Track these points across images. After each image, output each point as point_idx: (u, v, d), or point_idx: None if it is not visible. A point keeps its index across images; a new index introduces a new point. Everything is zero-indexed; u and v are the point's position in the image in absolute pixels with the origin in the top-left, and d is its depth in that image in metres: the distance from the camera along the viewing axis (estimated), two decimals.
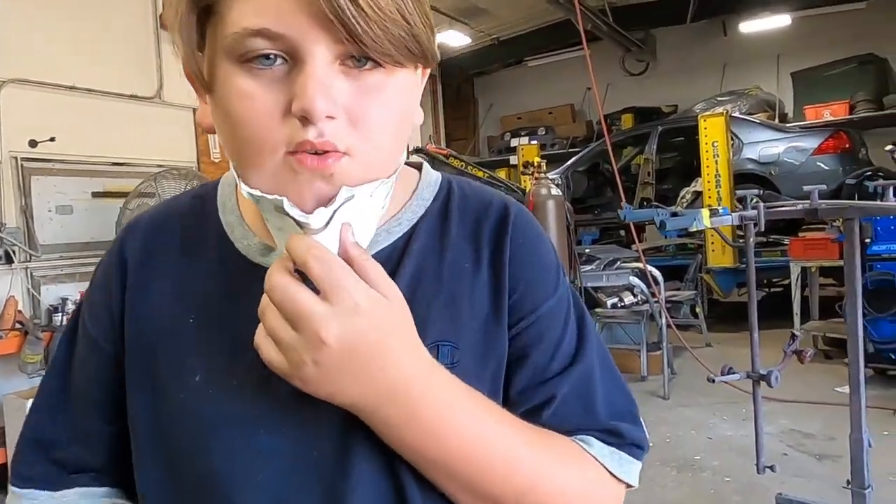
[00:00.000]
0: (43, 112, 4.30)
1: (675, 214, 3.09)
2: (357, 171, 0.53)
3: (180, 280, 0.65)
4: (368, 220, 0.57)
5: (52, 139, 4.29)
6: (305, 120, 0.51)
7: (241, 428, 0.59)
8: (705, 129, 6.58)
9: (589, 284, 4.88)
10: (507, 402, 0.63)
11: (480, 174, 4.45)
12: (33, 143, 4.27)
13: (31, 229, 4.23)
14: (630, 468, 0.65)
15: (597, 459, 0.62)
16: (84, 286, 4.25)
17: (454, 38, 9.70)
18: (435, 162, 4.65)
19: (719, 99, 8.53)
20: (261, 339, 0.53)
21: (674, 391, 4.78)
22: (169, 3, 0.57)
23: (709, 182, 6.57)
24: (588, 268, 5.07)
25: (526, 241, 0.67)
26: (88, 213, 4.44)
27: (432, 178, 0.71)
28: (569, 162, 8.48)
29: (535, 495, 0.58)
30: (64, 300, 4.09)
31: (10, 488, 0.68)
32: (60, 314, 4.04)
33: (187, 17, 0.55)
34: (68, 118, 4.43)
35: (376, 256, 0.58)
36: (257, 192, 0.53)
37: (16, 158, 4.20)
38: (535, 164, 4.19)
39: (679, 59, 9.86)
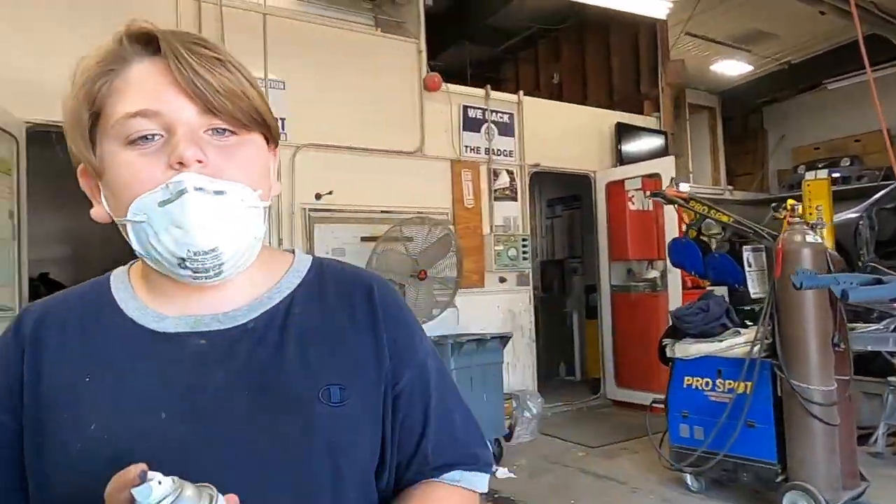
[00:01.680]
0: (325, 170, 5.12)
1: (878, 281, 2.40)
2: None
3: (75, 349, 0.73)
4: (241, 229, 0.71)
5: (330, 192, 5.08)
6: (181, 166, 0.65)
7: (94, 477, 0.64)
8: None
9: (871, 348, 4.06)
10: (402, 446, 0.80)
11: (725, 218, 4.04)
12: (318, 196, 5.11)
13: None
14: (484, 481, 0.86)
15: (465, 488, 0.83)
16: None
17: (732, 68, 9.00)
18: (676, 204, 4.37)
19: None
20: None
21: None
22: (69, 111, 0.72)
23: None
24: (872, 327, 4.22)
25: (390, 307, 0.82)
26: (357, 254, 5.10)
27: (304, 258, 0.85)
28: (874, 197, 7.16)
29: None
30: None
31: None
32: None
33: (85, 119, 0.70)
34: (345, 174, 5.20)
35: (258, 319, 0.75)
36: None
37: (304, 209, 5.06)
38: (789, 207, 3.67)
39: None
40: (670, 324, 4.29)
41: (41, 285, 7.07)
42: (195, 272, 0.69)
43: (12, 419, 0.71)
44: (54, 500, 0.68)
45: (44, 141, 5.01)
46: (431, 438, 0.80)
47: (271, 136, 0.76)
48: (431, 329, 5.00)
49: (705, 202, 4.22)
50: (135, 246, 0.69)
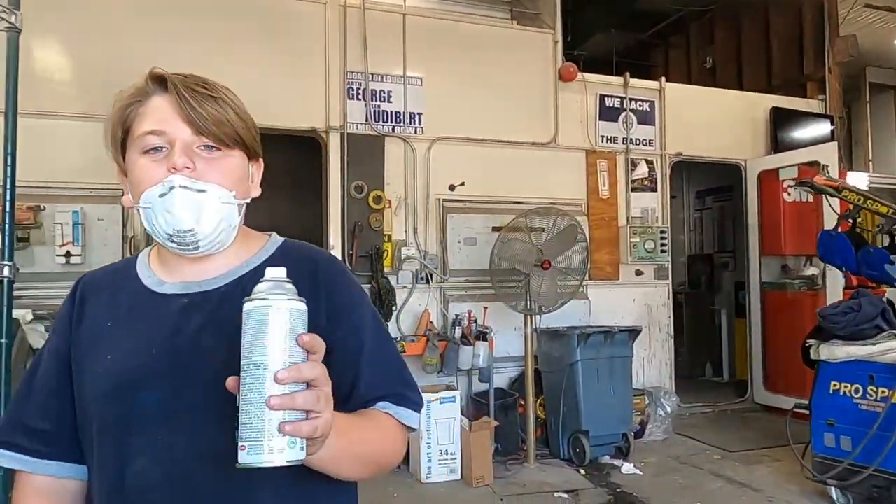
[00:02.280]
0: (459, 161, 5.29)
1: None
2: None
3: (104, 304, 1.03)
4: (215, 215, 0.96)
5: (462, 183, 5.24)
6: (175, 170, 0.93)
7: (134, 387, 0.93)
8: None
9: None
10: (339, 388, 0.92)
11: (884, 209, 3.63)
12: (451, 187, 5.29)
13: (445, 257, 5.23)
14: (412, 417, 1.03)
15: (397, 419, 1.01)
16: (479, 306, 5.03)
17: None
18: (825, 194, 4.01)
19: None
20: None
21: None
22: (109, 127, 1.00)
23: None
24: None
25: (330, 280, 1.03)
26: (488, 244, 5.19)
27: (276, 240, 1.10)
28: None
29: (383, 451, 1.00)
30: (457, 316, 4.92)
31: None
32: (458, 327, 4.87)
33: (119, 134, 0.99)
34: (478, 165, 5.34)
35: (229, 284, 1.00)
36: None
37: (439, 200, 5.27)
38: None
39: None
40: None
41: None
42: (179, 245, 0.96)
43: (66, 347, 1.03)
44: (87, 406, 0.99)
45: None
46: (364, 380, 1.00)
47: (250, 152, 1.02)
48: (557, 319, 5.01)
49: (861, 191, 3.84)
50: (144, 224, 0.96)
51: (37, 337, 3.89)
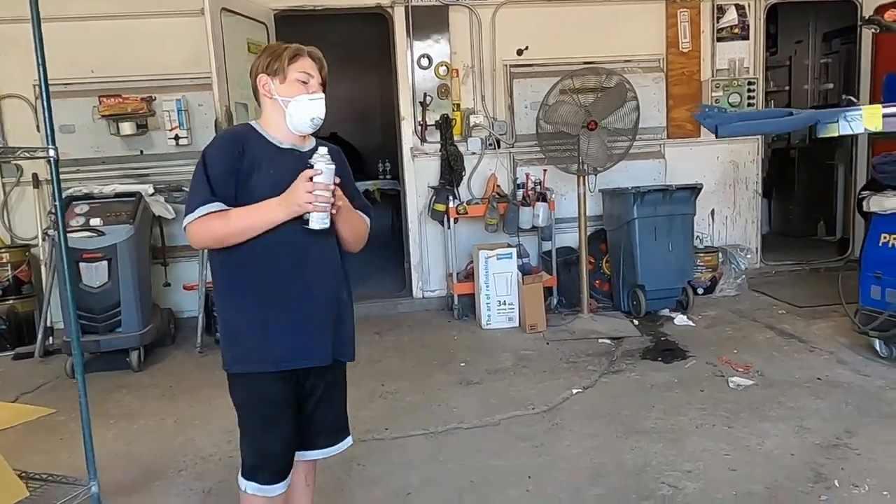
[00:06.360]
0: (526, 25, 5.32)
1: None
2: None
3: (253, 148, 1.77)
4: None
5: (527, 47, 5.29)
6: (318, 91, 1.85)
7: (277, 185, 1.71)
8: None
9: None
10: (347, 194, 1.82)
11: None
12: (519, 52, 5.36)
13: (513, 122, 5.41)
14: (368, 218, 1.96)
15: (366, 218, 1.96)
16: (539, 169, 5.20)
17: None
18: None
19: None
20: None
21: None
22: (272, 58, 1.82)
23: None
24: None
25: (336, 154, 1.78)
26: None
27: (317, 141, 1.90)
28: None
29: (359, 228, 1.91)
30: (516, 179, 5.17)
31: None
32: (520, 189, 5.15)
33: (281, 65, 1.81)
34: (545, 28, 5.34)
35: (309, 151, 1.79)
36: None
37: (506, 66, 5.37)
38: None
39: None
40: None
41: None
42: (313, 124, 1.80)
43: (237, 165, 1.76)
44: (253, 192, 1.74)
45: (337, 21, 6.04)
46: (351, 198, 1.87)
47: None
48: (629, 180, 5.13)
49: None
50: (290, 111, 1.79)
51: (159, 207, 4.75)
